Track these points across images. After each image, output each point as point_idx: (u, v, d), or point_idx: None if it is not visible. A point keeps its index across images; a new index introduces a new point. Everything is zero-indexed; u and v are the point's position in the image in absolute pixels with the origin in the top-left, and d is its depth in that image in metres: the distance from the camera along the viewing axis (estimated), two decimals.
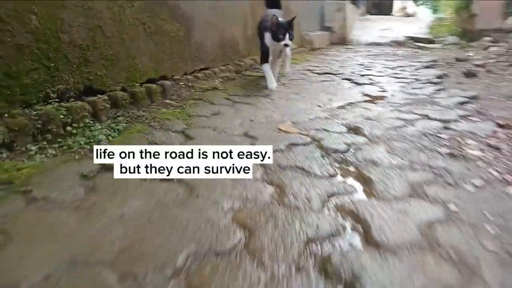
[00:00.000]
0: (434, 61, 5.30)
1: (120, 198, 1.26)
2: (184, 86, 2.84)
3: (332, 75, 4.21)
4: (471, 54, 5.83)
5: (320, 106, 2.72)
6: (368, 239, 1.05)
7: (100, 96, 2.00)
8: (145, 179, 1.40)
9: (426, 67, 4.79)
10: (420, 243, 1.03)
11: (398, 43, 8.62)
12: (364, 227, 1.12)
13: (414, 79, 3.92)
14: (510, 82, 3.53)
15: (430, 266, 0.94)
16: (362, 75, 4.17)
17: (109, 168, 1.46)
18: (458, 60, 5.26)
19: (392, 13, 18.41)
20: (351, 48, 7.98)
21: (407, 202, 1.27)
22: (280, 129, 2.11)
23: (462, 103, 2.77)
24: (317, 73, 4.36)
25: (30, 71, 1.64)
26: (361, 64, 5.14)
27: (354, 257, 0.97)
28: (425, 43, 8.38)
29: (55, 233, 1.07)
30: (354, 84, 3.69)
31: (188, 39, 2.93)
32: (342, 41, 8.82)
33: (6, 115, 1.52)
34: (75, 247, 1.00)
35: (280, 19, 3.02)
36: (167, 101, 2.45)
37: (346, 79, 3.98)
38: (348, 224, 1.14)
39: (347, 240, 1.06)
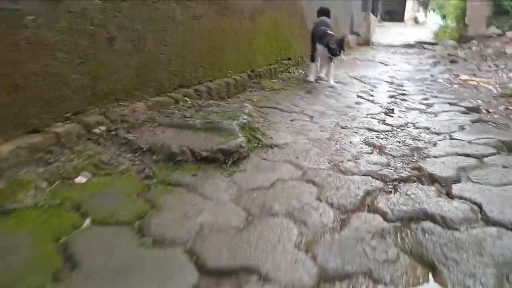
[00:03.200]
0: (434, 56, 8.33)
1: (322, 96, 4.34)
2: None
3: (370, 61, 7.28)
4: (459, 52, 8.84)
5: (371, 71, 5.79)
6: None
7: (289, 60, 5.09)
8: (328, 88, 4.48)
9: (427, 57, 7.85)
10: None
11: (409, 45, 11.64)
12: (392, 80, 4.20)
13: (419, 63, 6.99)
14: (472, 64, 6.58)
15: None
16: (387, 61, 7.24)
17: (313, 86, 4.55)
18: (449, 55, 8.27)
19: (403, 21, 21.41)
20: (374, 48, 11.04)
21: (405, 80, 4.35)
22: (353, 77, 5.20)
23: (442, 71, 5.82)
24: (360, 60, 7.43)
25: (273, 51, 4.73)
26: (385, 57, 8.21)
27: (373, 80, 4.04)
28: (430, 45, 11.39)
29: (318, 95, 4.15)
30: (385, 65, 6.76)
31: (302, 37, 6.03)
32: (366, 43, 11.86)
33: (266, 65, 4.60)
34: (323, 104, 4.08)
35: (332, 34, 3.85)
36: (305, 67, 5.54)
37: (379, 62, 7.05)
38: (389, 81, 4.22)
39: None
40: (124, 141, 1.71)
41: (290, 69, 4.78)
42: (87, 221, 1.14)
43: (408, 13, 22.18)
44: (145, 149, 1.67)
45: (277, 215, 1.35)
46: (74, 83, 1.61)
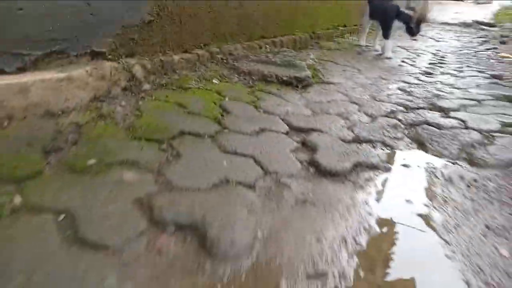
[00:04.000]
0: (486, 36, 8.57)
1: (370, 58, 5.02)
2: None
3: (421, 36, 7.71)
4: None
5: (419, 44, 6.33)
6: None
7: (345, 26, 5.76)
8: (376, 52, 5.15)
9: (478, 37, 8.14)
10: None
11: (465, 24, 11.66)
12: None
13: (469, 41, 7.36)
14: None
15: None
16: (438, 37, 7.65)
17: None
18: (501, 36, 8.49)
19: None
20: (429, 25, 11.22)
21: (448, 53, 4.93)
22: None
23: (487, 49, 6.25)
24: None
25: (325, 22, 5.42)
26: (438, 33, 8.56)
27: (419, 51, 4.66)
28: (487, 26, 11.37)
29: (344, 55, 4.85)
30: (434, 40, 7.21)
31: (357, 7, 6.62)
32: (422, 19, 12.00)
33: (324, 29, 5.31)
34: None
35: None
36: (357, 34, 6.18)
37: (429, 37, 7.50)
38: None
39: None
40: (232, 67, 2.62)
41: (344, 35, 5.49)
42: (227, 98, 2.06)
43: None
44: (246, 72, 2.56)
45: (331, 114, 2.22)
46: (205, 25, 2.52)
